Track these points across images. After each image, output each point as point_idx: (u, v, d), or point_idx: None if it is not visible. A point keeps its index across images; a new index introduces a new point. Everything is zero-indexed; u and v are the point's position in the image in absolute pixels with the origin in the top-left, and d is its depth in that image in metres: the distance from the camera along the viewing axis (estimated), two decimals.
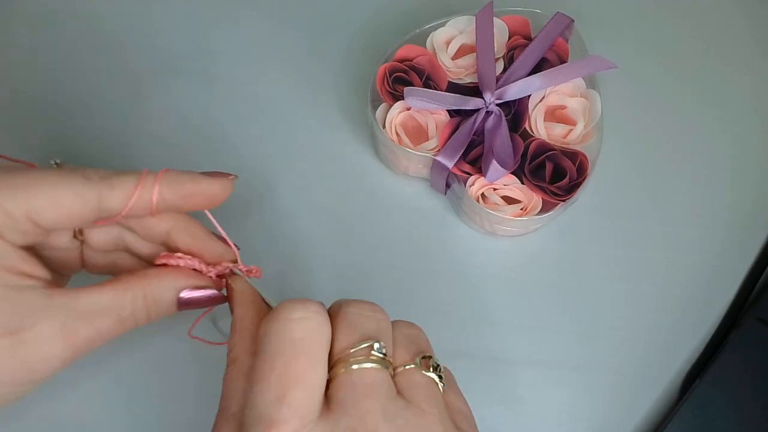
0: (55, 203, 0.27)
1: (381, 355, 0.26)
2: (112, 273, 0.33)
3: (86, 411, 0.36)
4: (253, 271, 0.33)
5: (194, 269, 0.31)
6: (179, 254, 0.31)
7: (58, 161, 0.30)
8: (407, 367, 0.27)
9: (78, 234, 0.32)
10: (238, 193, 0.41)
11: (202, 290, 0.30)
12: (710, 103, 0.45)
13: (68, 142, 0.42)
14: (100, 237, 0.32)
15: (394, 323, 0.29)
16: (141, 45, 0.45)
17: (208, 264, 0.32)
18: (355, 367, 0.25)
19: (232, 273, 0.32)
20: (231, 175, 0.32)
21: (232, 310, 0.30)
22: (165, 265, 0.31)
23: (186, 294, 0.30)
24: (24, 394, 0.28)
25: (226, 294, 0.32)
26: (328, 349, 0.26)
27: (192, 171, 0.31)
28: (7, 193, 0.26)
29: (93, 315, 0.28)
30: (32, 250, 0.30)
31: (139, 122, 0.43)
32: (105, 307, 0.28)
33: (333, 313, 0.27)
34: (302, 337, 0.25)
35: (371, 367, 0.25)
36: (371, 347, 0.26)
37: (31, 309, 0.26)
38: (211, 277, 0.31)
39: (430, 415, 0.25)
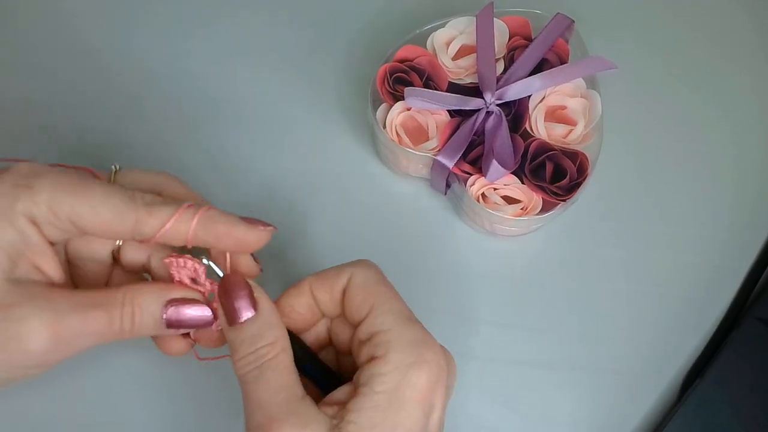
0: (96, 215, 0.28)
1: None
2: (146, 272, 0.34)
3: (93, 409, 0.37)
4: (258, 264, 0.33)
5: (191, 278, 0.31)
6: (188, 255, 0.31)
7: (118, 166, 0.32)
8: None
9: (116, 252, 0.33)
10: (238, 192, 0.41)
11: (191, 305, 0.30)
12: (711, 103, 0.45)
13: (69, 142, 0.42)
14: (133, 255, 0.33)
15: None
16: (141, 45, 0.45)
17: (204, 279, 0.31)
18: None
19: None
20: (270, 226, 0.31)
21: (245, 311, 0.30)
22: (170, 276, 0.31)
23: (173, 311, 0.30)
24: (13, 380, 0.29)
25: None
26: None
27: (233, 214, 0.31)
28: (57, 195, 0.28)
29: (85, 308, 0.28)
30: (63, 255, 0.31)
31: (139, 122, 0.43)
32: (97, 301, 0.29)
33: None
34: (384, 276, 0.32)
35: None
36: None
37: (27, 293, 0.28)
38: (203, 291, 0.31)
39: None
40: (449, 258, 0.41)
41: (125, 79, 0.44)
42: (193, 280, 0.31)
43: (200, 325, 0.30)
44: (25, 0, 0.46)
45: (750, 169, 0.44)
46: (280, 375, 0.28)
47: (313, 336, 0.33)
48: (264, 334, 0.29)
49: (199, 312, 0.30)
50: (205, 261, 0.30)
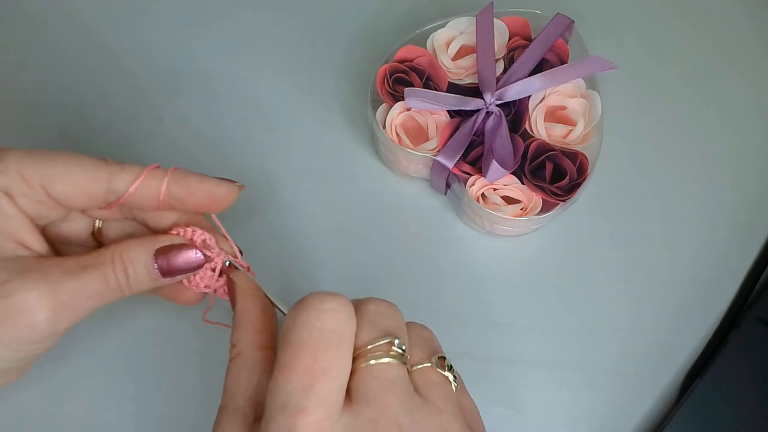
0: (68, 176, 0.29)
1: (401, 351, 0.26)
2: None
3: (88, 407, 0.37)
4: (250, 270, 0.33)
5: (200, 245, 0.31)
6: (193, 227, 0.31)
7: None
8: (423, 365, 0.27)
9: (96, 234, 0.33)
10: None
11: (180, 250, 0.31)
12: (711, 103, 0.45)
13: (69, 142, 0.42)
14: (116, 230, 0.33)
15: (408, 324, 0.29)
16: (141, 45, 0.45)
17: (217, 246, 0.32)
18: (373, 362, 0.25)
19: (234, 268, 0.32)
20: (237, 183, 0.33)
21: (233, 305, 0.31)
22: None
23: (163, 258, 0.30)
24: (26, 360, 0.29)
25: (226, 288, 0.32)
26: (353, 343, 0.26)
27: (202, 176, 0.32)
28: (27, 161, 0.29)
29: (78, 270, 0.29)
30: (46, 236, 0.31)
31: (138, 123, 0.43)
32: (88, 263, 0.29)
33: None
34: (333, 329, 0.25)
35: (391, 362, 0.25)
36: (391, 343, 0.26)
37: (18, 268, 0.28)
38: (212, 264, 0.32)
39: (446, 413, 0.26)
40: (449, 258, 0.41)
41: (126, 78, 0.44)
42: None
43: (193, 268, 0.31)
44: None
45: (750, 169, 0.44)
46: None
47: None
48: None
49: (190, 255, 0.31)
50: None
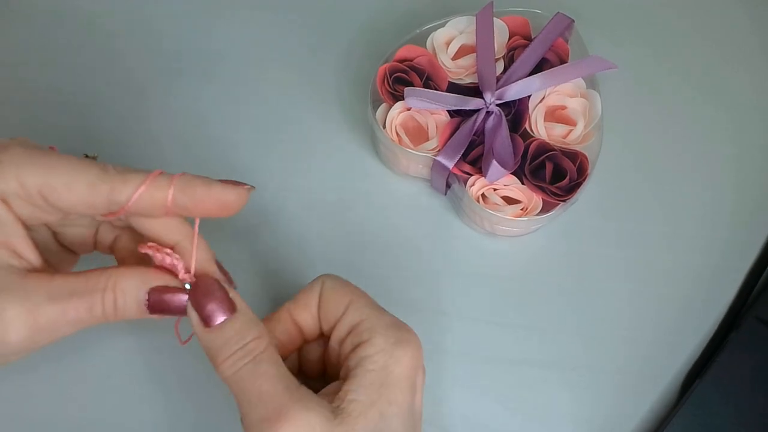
0: (68, 187, 0.28)
1: None
2: (111, 253, 0.33)
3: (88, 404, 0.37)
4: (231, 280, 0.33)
5: (170, 269, 0.30)
6: (167, 250, 0.30)
7: (90, 154, 0.31)
8: None
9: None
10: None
11: (173, 294, 0.30)
12: (711, 102, 0.45)
13: (68, 141, 0.42)
14: (112, 231, 0.33)
15: None
16: (141, 44, 0.45)
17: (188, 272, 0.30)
18: None
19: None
20: (247, 185, 0.31)
21: (228, 308, 0.30)
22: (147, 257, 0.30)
23: (156, 297, 0.29)
24: None
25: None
26: None
27: (209, 177, 0.30)
28: (26, 167, 0.27)
29: (63, 297, 0.28)
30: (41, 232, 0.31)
31: (139, 121, 0.43)
32: (76, 290, 0.28)
33: None
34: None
35: None
36: None
37: (2, 283, 0.27)
38: (183, 282, 0.30)
39: None
40: (449, 258, 0.41)
41: (125, 77, 0.44)
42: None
43: (181, 312, 0.30)
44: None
45: (750, 169, 0.44)
46: (277, 365, 0.29)
47: (288, 364, 0.33)
48: (250, 330, 0.29)
49: (182, 300, 0.30)
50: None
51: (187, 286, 0.30)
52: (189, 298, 0.30)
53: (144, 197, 0.29)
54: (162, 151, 0.42)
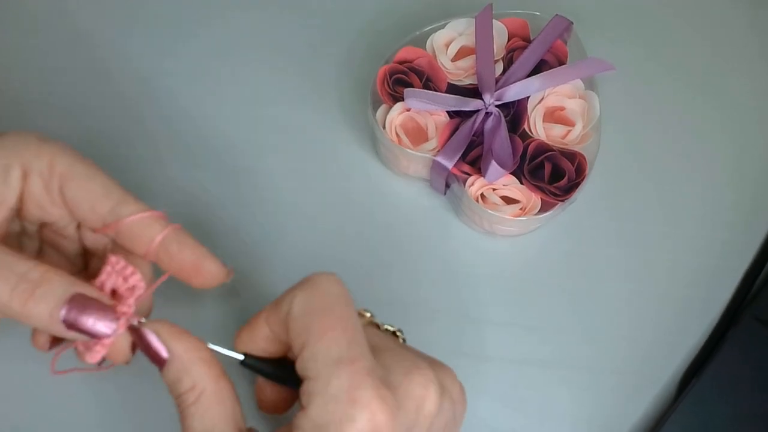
0: (88, 182, 0.30)
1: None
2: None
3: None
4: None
5: (114, 290, 0.28)
6: (132, 268, 0.28)
7: None
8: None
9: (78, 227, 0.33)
10: (238, 192, 0.42)
11: (99, 312, 0.27)
12: (709, 103, 0.45)
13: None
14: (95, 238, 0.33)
15: None
16: (141, 44, 0.45)
17: (128, 297, 0.28)
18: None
19: (140, 324, 0.28)
20: (229, 267, 0.31)
21: (156, 356, 0.28)
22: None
23: (77, 310, 0.27)
24: None
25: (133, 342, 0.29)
26: None
27: (199, 245, 0.31)
28: (60, 154, 0.30)
29: None
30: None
31: (135, 122, 0.43)
32: (2, 260, 0.27)
33: None
34: (344, 292, 0.28)
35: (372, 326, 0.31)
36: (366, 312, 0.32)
37: None
38: (120, 311, 0.28)
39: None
40: (448, 258, 0.41)
41: (125, 77, 0.44)
42: (114, 293, 0.28)
43: (96, 336, 0.27)
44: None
45: (748, 169, 0.44)
46: (201, 419, 0.27)
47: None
48: (181, 380, 0.27)
49: (103, 322, 0.27)
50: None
51: (135, 322, 0.28)
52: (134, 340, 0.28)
53: (139, 224, 0.29)
54: (159, 152, 0.42)
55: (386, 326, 0.32)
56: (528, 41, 0.41)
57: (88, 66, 0.45)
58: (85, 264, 0.34)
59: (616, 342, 0.39)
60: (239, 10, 0.47)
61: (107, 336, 0.27)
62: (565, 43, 0.41)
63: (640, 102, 0.45)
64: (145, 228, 0.30)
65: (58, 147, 0.30)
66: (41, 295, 0.26)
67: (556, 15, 0.40)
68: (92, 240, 0.33)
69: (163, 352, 0.28)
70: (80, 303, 0.27)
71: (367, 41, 0.46)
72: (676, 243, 0.42)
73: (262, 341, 0.30)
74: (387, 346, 0.29)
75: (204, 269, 0.30)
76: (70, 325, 0.27)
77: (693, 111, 0.45)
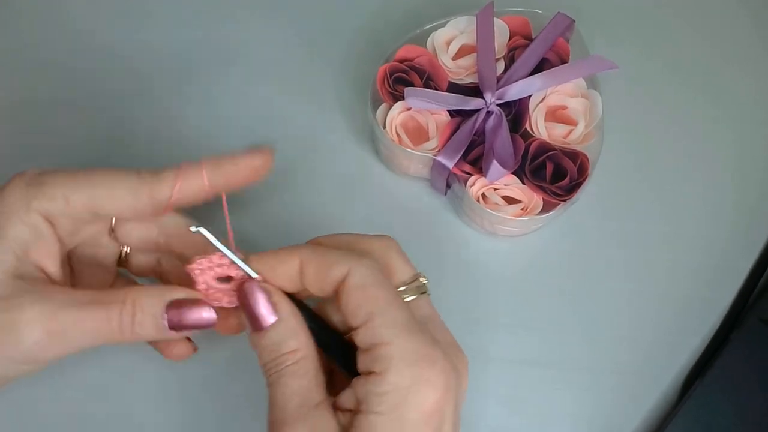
0: (111, 196, 0.30)
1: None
2: (156, 276, 0.35)
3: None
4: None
5: (219, 278, 0.30)
6: (209, 257, 0.29)
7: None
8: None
9: (123, 261, 0.34)
10: (237, 192, 0.41)
11: (194, 306, 0.29)
12: (712, 102, 0.45)
13: (68, 141, 0.42)
14: (142, 259, 0.34)
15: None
16: (141, 45, 0.45)
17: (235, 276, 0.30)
18: (412, 298, 0.31)
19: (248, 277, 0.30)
20: (266, 148, 0.32)
21: (264, 319, 0.29)
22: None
23: (175, 312, 0.29)
24: (6, 377, 0.29)
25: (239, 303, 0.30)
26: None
27: (227, 155, 0.32)
28: (69, 186, 0.30)
29: (82, 304, 0.28)
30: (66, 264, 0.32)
31: (138, 122, 0.43)
32: (95, 299, 0.29)
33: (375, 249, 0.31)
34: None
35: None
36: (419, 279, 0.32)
37: (26, 286, 0.28)
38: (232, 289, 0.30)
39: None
40: (449, 258, 0.41)
41: (126, 78, 0.44)
42: (220, 280, 0.30)
43: (203, 326, 0.30)
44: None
45: (751, 169, 0.44)
46: (298, 381, 0.28)
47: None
48: (286, 342, 0.28)
49: (202, 314, 0.30)
50: (225, 251, 0.29)
51: (255, 275, 0.29)
52: (238, 300, 0.30)
53: (183, 189, 0.31)
54: (161, 152, 0.42)
55: (422, 278, 0.32)
56: (529, 39, 0.41)
57: (88, 67, 0.44)
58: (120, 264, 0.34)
59: (617, 342, 0.39)
60: (239, 9, 0.47)
61: (214, 321, 0.30)
62: (567, 41, 0.41)
63: (641, 102, 0.45)
64: (189, 186, 0.31)
65: (57, 180, 0.30)
66: (140, 321, 0.29)
67: (558, 13, 0.40)
68: (137, 235, 0.33)
69: (272, 314, 0.29)
70: (175, 307, 0.29)
71: (367, 40, 0.46)
72: (678, 243, 0.41)
73: (282, 277, 0.30)
74: (431, 316, 0.31)
75: (254, 166, 0.32)
76: (179, 327, 0.29)
77: (695, 110, 0.45)
